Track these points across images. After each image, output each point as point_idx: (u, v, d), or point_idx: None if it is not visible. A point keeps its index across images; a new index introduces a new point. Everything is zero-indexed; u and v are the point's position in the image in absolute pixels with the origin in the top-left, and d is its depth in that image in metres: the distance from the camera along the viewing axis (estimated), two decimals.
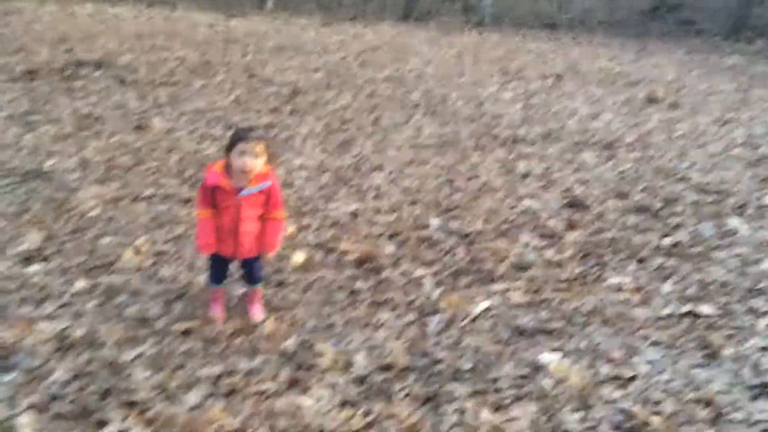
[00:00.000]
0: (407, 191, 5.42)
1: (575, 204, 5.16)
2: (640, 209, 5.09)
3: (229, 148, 3.13)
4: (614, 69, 12.05)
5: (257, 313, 3.45)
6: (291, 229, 4.55)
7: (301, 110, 8.05)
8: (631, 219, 4.88)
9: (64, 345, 3.12)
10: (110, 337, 3.18)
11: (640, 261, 4.21)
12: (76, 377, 2.89)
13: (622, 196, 5.40)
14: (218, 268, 3.43)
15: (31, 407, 2.67)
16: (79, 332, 3.22)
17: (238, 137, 3.11)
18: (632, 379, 2.97)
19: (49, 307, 3.47)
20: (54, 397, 2.74)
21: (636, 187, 5.62)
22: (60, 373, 2.89)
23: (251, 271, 3.44)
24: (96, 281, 3.77)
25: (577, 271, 4.05)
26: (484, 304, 3.62)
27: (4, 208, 4.78)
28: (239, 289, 3.67)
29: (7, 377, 2.86)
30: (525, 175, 5.90)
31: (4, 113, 7.32)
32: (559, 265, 4.15)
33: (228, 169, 3.16)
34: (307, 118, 7.70)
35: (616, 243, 4.46)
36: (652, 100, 9.24)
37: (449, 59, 12.59)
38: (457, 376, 2.99)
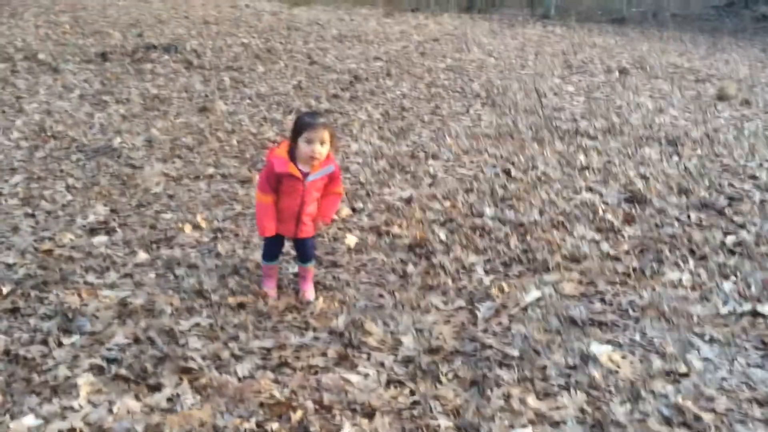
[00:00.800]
0: (463, 180, 5.40)
1: (635, 198, 5.03)
2: (704, 206, 4.93)
3: (296, 134, 3.16)
4: (684, 64, 11.66)
5: (309, 291, 3.51)
6: (345, 211, 4.61)
7: (360, 97, 8.10)
8: (694, 215, 4.74)
9: (124, 312, 3.25)
10: (168, 307, 3.30)
11: (701, 258, 4.08)
12: (134, 342, 3.01)
13: (684, 192, 5.24)
14: (273, 246, 3.50)
15: (91, 368, 2.80)
16: (138, 301, 3.35)
17: (306, 124, 3.13)
18: (685, 374, 2.89)
19: (111, 276, 3.62)
20: (113, 360, 2.86)
21: (700, 183, 5.44)
22: (119, 338, 3.02)
23: (305, 250, 3.49)
24: (156, 254, 3.91)
25: (633, 265, 3.96)
26: (536, 294, 3.59)
27: (74, 182, 5.00)
28: (293, 269, 3.74)
29: (71, 339, 3.01)
30: (584, 168, 5.79)
31: (78, 92, 7.64)
32: (615, 258, 4.07)
33: (292, 154, 3.20)
34: (365, 105, 7.75)
35: (676, 239, 4.34)
36: (722, 96, 8.90)
37: (511, 51, 12.42)
38: (504, 362, 2.98)
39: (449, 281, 3.73)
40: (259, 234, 3.53)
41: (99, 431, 2.44)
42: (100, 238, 4.09)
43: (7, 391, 2.64)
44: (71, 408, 2.55)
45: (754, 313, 3.43)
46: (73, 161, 5.46)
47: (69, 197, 4.72)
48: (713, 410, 2.65)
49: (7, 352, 2.90)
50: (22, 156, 5.55)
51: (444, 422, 2.55)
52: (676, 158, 6.16)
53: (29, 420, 2.47)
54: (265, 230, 3.32)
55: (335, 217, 4.52)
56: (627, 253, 4.15)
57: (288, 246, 3.71)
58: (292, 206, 3.27)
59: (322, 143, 3.13)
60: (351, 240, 4.16)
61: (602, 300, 3.56)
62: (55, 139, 6.01)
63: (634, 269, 3.91)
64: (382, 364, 2.93)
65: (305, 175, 3.21)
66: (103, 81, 8.22)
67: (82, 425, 2.45)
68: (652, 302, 3.52)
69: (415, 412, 2.61)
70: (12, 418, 2.49)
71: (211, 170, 5.35)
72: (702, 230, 4.50)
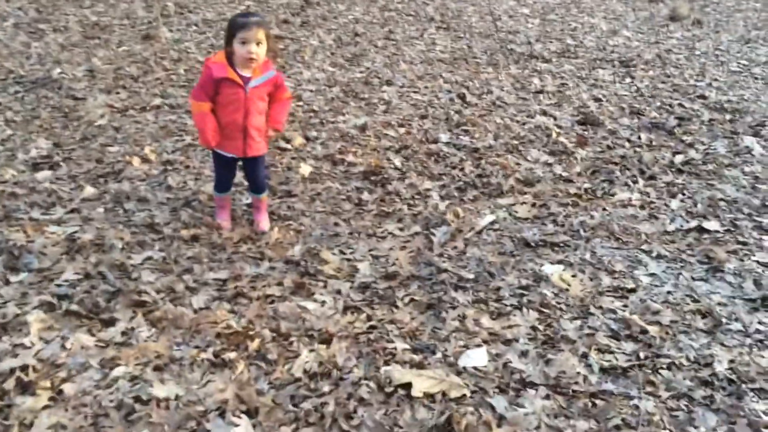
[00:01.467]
0: (417, 106, 5.33)
1: (588, 121, 5.07)
2: (654, 126, 5.00)
3: (230, 36, 2.99)
4: None
5: (263, 221, 3.47)
6: (299, 140, 4.52)
7: (312, 23, 7.85)
8: (644, 136, 4.80)
9: (73, 247, 3.17)
10: (118, 242, 3.23)
11: (651, 178, 4.17)
12: (85, 278, 2.95)
13: (636, 113, 5.30)
14: (224, 174, 3.41)
15: (41, 305, 2.74)
16: (87, 236, 3.26)
17: (239, 24, 2.95)
18: (633, 290, 2.99)
19: (58, 212, 3.51)
20: (63, 297, 2.81)
21: (651, 104, 5.50)
22: (69, 274, 2.96)
23: (256, 179, 3.40)
24: (104, 188, 3.80)
25: (585, 186, 4.02)
26: (490, 218, 3.62)
27: (12, 116, 4.78)
28: (246, 200, 3.69)
29: (18, 277, 2.93)
30: (539, 92, 5.78)
31: (12, 21, 7.21)
32: (567, 180, 4.12)
33: (230, 60, 3.04)
34: (317, 30, 7.53)
35: (627, 160, 4.40)
36: (674, 17, 8.92)
37: None
38: (459, 285, 3.03)
39: (405, 208, 3.73)
40: (202, 145, 3.43)
41: (52, 367, 2.41)
42: (44, 173, 3.95)
43: None
44: (22, 345, 2.50)
45: (700, 229, 3.54)
46: (11, 94, 5.20)
47: (9, 132, 4.51)
48: (658, 323, 2.76)
49: None
50: None
51: (400, 345, 2.59)
52: (628, 80, 6.20)
53: None
54: (209, 140, 3.14)
55: (288, 145, 4.44)
56: (579, 174, 4.20)
57: (240, 177, 3.64)
58: (236, 119, 3.12)
59: (258, 44, 2.97)
60: (305, 169, 4.10)
61: (554, 221, 3.62)
62: None
63: (586, 190, 3.98)
64: (338, 292, 2.95)
65: (246, 80, 3.06)
66: (39, 8, 7.76)
67: (35, 362, 2.41)
68: (603, 222, 3.60)
69: (371, 336, 2.65)
70: None
71: (157, 101, 5.16)
72: (652, 150, 4.57)
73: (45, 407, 2.23)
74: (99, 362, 2.44)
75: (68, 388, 2.31)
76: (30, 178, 3.87)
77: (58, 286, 2.87)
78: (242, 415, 2.22)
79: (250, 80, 3.06)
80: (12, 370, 2.35)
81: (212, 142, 3.14)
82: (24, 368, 2.37)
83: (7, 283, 2.89)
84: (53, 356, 2.46)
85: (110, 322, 2.67)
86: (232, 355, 2.50)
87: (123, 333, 2.61)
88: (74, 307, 2.72)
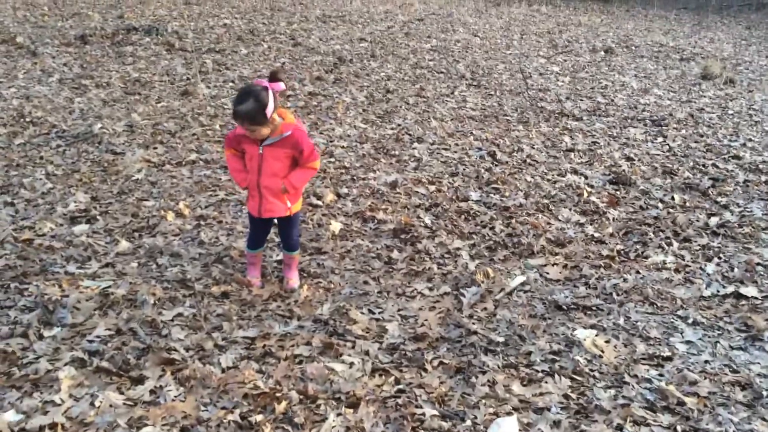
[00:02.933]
0: (448, 163, 5.37)
1: (620, 180, 5.04)
2: (688, 187, 4.95)
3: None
4: (669, 43, 11.65)
5: (293, 279, 3.49)
6: (330, 197, 4.57)
7: (345, 79, 8.02)
8: (678, 197, 4.75)
9: (106, 303, 3.21)
10: (150, 297, 3.26)
11: (685, 240, 4.10)
12: (116, 334, 2.97)
13: (669, 173, 5.25)
14: (256, 232, 3.47)
15: (72, 361, 2.76)
16: (120, 291, 3.31)
17: (233, 114, 3.09)
18: (669, 358, 2.91)
19: (93, 266, 3.57)
20: (94, 353, 2.83)
21: (684, 164, 5.46)
22: (101, 330, 2.98)
23: (286, 237, 3.44)
24: (139, 242, 3.86)
25: (618, 248, 3.97)
26: (521, 278, 3.59)
27: (53, 169, 4.92)
28: (277, 256, 3.71)
29: (51, 332, 2.97)
30: (569, 150, 5.79)
31: (57, 76, 7.50)
32: (599, 241, 4.08)
33: None
34: (350, 87, 7.68)
35: (660, 221, 4.35)
36: (706, 75, 8.91)
37: (497, 31, 12.35)
38: (489, 348, 2.98)
39: (434, 267, 3.72)
40: (239, 186, 3.40)
41: (81, 426, 2.41)
42: (81, 227, 4.03)
43: None
44: (52, 402, 2.52)
45: (737, 295, 3.45)
46: (53, 148, 5.37)
47: (49, 185, 4.65)
48: (696, 394, 2.67)
49: None
50: (1, 143, 5.45)
51: (429, 410, 2.54)
52: (660, 139, 6.17)
53: (10, 415, 2.44)
54: (238, 181, 3.32)
55: (319, 201, 4.48)
56: (611, 235, 4.16)
57: (273, 233, 3.68)
58: (252, 176, 3.22)
59: (251, 129, 3.05)
60: (335, 226, 4.13)
61: (586, 284, 3.57)
62: (34, 125, 5.90)
63: (619, 252, 3.93)
64: (366, 353, 2.92)
65: (262, 139, 3.13)
66: (83, 65, 8.08)
67: (64, 420, 2.42)
68: (636, 285, 3.53)
69: (399, 401, 2.60)
70: None
71: (193, 156, 5.28)
72: (686, 212, 4.52)
73: None
74: (127, 422, 2.43)
75: None
76: (67, 232, 3.96)
77: (90, 342, 2.90)
78: None
79: (266, 139, 3.12)
80: (41, 428, 2.36)
81: (241, 183, 3.31)
82: (53, 426, 2.38)
83: (41, 338, 2.92)
84: (82, 414, 2.46)
85: (139, 380, 2.67)
86: (259, 417, 2.48)
87: (152, 391, 2.61)
88: (105, 363, 2.74)
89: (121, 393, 2.59)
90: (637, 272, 3.69)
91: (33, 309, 3.13)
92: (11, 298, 3.24)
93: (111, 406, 2.51)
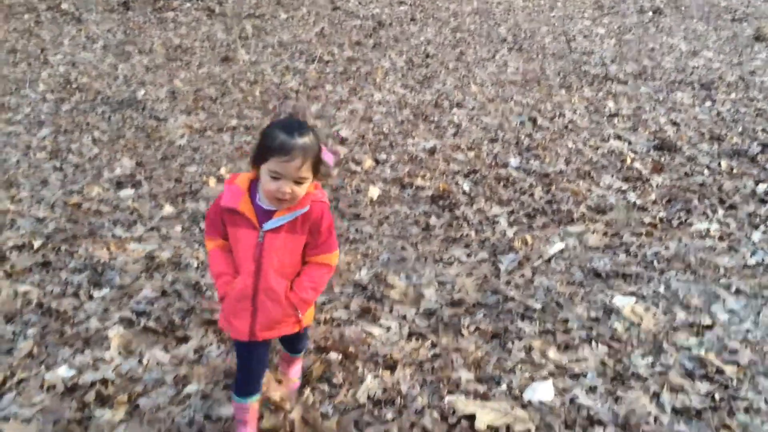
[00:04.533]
0: (487, 129, 5.32)
1: (664, 146, 4.92)
2: (736, 153, 4.81)
3: (260, 157, 1.90)
4: (720, 3, 11.18)
5: (295, 378, 2.53)
6: (369, 163, 4.58)
7: (384, 44, 7.95)
8: (725, 163, 4.62)
9: (151, 265, 3.31)
10: (194, 261, 3.35)
11: (731, 207, 4.00)
12: (162, 296, 3.08)
13: (716, 138, 5.11)
14: (249, 365, 2.17)
15: (121, 321, 2.88)
16: (165, 254, 3.41)
17: (276, 146, 1.85)
18: (709, 327, 2.87)
19: (139, 230, 3.68)
20: (141, 313, 2.94)
21: (733, 129, 5.29)
22: (147, 292, 3.09)
23: (295, 345, 2.43)
24: (182, 207, 3.96)
25: (660, 215, 3.90)
26: (559, 246, 3.57)
27: (100, 135, 5.04)
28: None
29: (101, 293, 3.09)
30: (613, 115, 5.66)
31: (101, 43, 7.63)
32: (642, 208, 4.01)
33: (255, 186, 2.00)
34: (389, 52, 7.61)
35: (705, 188, 4.25)
36: (759, 37, 8.55)
37: None
38: (526, 314, 2.99)
39: (472, 233, 3.72)
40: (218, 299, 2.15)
41: (130, 382, 2.52)
42: (127, 192, 4.15)
43: (41, 343, 2.74)
44: (102, 359, 2.64)
45: None
46: (98, 114, 5.49)
47: (95, 150, 4.77)
48: (736, 363, 2.64)
49: (40, 305, 2.99)
50: (49, 109, 5.60)
51: (465, 375, 2.58)
52: (708, 103, 5.98)
53: (63, 371, 2.56)
54: (219, 286, 2.06)
55: (358, 167, 4.49)
56: (654, 203, 4.08)
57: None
58: (244, 278, 2.00)
59: (298, 181, 1.89)
60: (374, 192, 4.15)
61: (627, 251, 3.53)
62: (80, 91, 6.03)
63: (661, 219, 3.86)
64: (404, 317, 2.96)
65: (264, 216, 1.96)
66: (126, 31, 8.18)
67: (114, 376, 2.54)
68: (678, 253, 3.48)
69: (436, 365, 2.65)
70: (47, 369, 2.58)
71: (234, 122, 5.34)
72: (733, 179, 4.40)
73: (122, 421, 2.33)
74: (173, 379, 2.53)
75: (144, 403, 2.41)
76: (114, 196, 4.07)
77: (137, 303, 3.01)
78: None
79: (270, 217, 1.96)
80: (93, 384, 2.48)
81: (221, 288, 2.06)
82: (104, 382, 2.49)
83: (91, 298, 3.04)
84: (131, 371, 2.57)
85: (184, 340, 2.77)
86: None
87: (195, 351, 2.71)
88: (151, 323, 2.85)
89: (167, 352, 2.70)
90: (680, 240, 3.63)
91: (83, 270, 3.25)
92: (62, 260, 3.37)
93: (158, 363, 2.62)
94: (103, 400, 2.42)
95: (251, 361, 2.16)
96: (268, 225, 1.94)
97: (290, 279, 2.03)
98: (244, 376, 2.18)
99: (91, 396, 2.42)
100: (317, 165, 1.92)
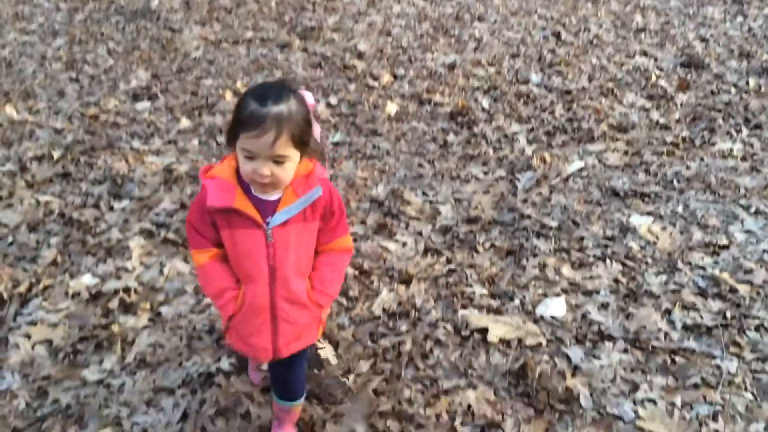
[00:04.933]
0: (509, 43, 5.17)
1: (692, 63, 4.77)
2: (765, 71, 4.65)
3: (231, 135, 1.53)
4: None
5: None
6: (386, 78, 4.50)
7: None
8: (753, 81, 4.48)
9: (170, 178, 3.33)
10: None
11: (756, 127, 3.91)
12: (180, 208, 3.11)
13: (746, 55, 4.93)
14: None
15: (141, 232, 2.92)
16: (183, 167, 3.42)
17: (244, 117, 1.47)
18: (726, 247, 2.87)
19: (156, 143, 3.68)
20: (161, 225, 2.98)
21: (764, 46, 5.10)
22: (166, 204, 3.13)
23: (291, 381, 1.91)
24: (199, 120, 3.94)
25: (683, 134, 3.83)
26: (578, 164, 3.53)
27: (114, 46, 4.98)
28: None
29: (121, 204, 3.13)
30: (640, 30, 5.47)
31: None
32: (664, 127, 3.93)
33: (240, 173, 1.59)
34: None
35: (731, 107, 4.14)
36: None
37: None
38: (542, 232, 2.99)
39: (490, 151, 3.68)
40: (221, 317, 1.78)
41: (151, 291, 2.59)
42: (143, 104, 4.13)
43: (64, 252, 2.80)
44: (125, 268, 2.70)
45: None
46: (112, 24, 5.40)
47: (111, 61, 4.72)
48: (750, 282, 2.64)
49: (62, 215, 3.04)
50: (63, 18, 5.51)
51: (479, 290, 2.61)
52: (740, 18, 5.75)
53: (87, 279, 2.63)
54: (222, 305, 1.68)
55: (375, 82, 4.42)
56: (678, 121, 4.00)
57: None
58: (256, 285, 1.63)
59: (277, 160, 1.50)
60: (391, 108, 4.10)
61: (647, 171, 3.49)
62: (94, 0, 5.91)
63: (684, 139, 3.79)
64: (420, 233, 2.98)
65: (267, 210, 1.59)
66: None
67: (136, 284, 2.60)
68: (699, 173, 3.43)
69: (450, 280, 2.68)
70: (71, 276, 2.65)
71: (249, 34, 5.23)
72: (760, 98, 4.28)
73: (145, 327, 2.41)
74: (193, 289, 2.59)
75: (165, 311, 2.48)
76: (130, 109, 4.06)
77: (156, 214, 3.04)
78: (326, 342, 2.32)
79: (275, 209, 1.59)
80: (116, 291, 2.55)
81: (229, 309, 1.68)
82: (126, 290, 2.56)
83: (111, 209, 3.09)
84: (152, 280, 2.63)
85: None
86: None
87: None
88: (171, 235, 2.89)
89: (187, 263, 2.75)
90: (701, 159, 3.57)
91: (102, 182, 3.29)
92: (81, 171, 3.40)
93: (178, 274, 2.68)
94: (126, 308, 2.49)
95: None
96: (276, 220, 1.58)
97: (308, 275, 1.71)
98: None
99: (114, 303, 2.50)
100: (302, 139, 1.51)
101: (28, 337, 2.34)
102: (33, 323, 2.41)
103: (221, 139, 3.72)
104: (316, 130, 1.62)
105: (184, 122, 3.90)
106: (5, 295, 2.52)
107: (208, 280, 1.67)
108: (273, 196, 1.59)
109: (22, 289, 2.56)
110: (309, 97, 1.59)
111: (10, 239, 2.86)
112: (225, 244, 1.62)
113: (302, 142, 1.51)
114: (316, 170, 1.62)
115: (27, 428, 2.03)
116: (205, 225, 1.62)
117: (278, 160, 1.49)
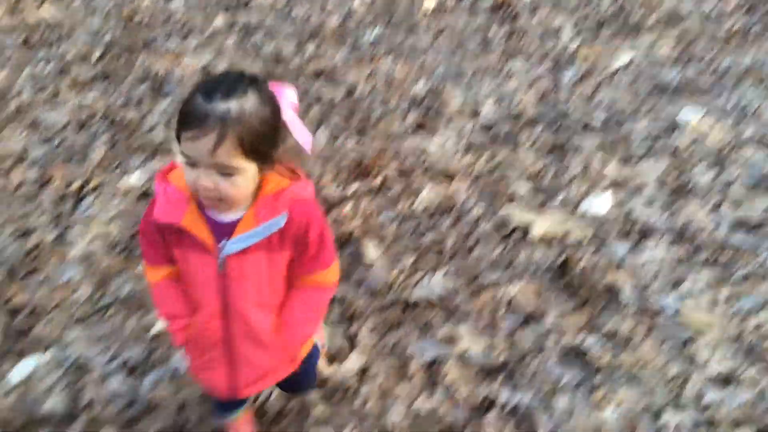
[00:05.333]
0: None
1: None
2: None
3: (177, 133, 1.21)
4: None
5: None
6: None
7: None
8: None
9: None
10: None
11: None
12: None
13: None
14: (229, 408, 1.75)
15: None
16: (221, 67, 3.39)
17: (183, 118, 1.17)
18: None
19: (192, 43, 3.64)
20: None
21: None
22: None
23: (301, 383, 1.77)
24: (234, 18, 3.86)
25: (737, 26, 3.64)
26: (626, 57, 3.40)
27: None
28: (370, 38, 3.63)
29: (164, 103, 3.14)
30: None
31: None
32: (718, 17, 3.73)
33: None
34: None
35: None
36: None
37: None
38: (587, 128, 2.93)
39: (533, 45, 3.56)
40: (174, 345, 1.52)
41: None
42: (177, 3, 4.05)
43: (112, 151, 2.85)
44: None
45: None
46: None
47: None
48: None
49: (106, 116, 3.06)
50: None
51: (521, 187, 2.60)
52: None
53: (136, 176, 2.68)
54: (174, 331, 1.45)
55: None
56: (732, 13, 3.79)
57: None
58: (206, 317, 1.39)
59: (224, 172, 1.17)
60: (429, 2, 3.95)
61: (698, 64, 3.34)
62: None
63: (738, 31, 3.60)
64: (461, 131, 2.94)
65: (223, 231, 1.30)
66: None
67: None
68: (754, 66, 3.29)
69: (492, 177, 2.67)
70: (121, 175, 2.71)
71: None
72: None
73: None
74: None
75: None
76: (163, 7, 3.99)
77: None
78: (369, 242, 2.37)
79: (231, 232, 1.29)
80: None
81: (179, 336, 1.45)
82: None
83: (153, 108, 3.11)
84: None
85: None
86: (356, 185, 2.62)
87: None
88: None
89: None
90: (757, 52, 3.40)
91: (143, 81, 3.29)
92: (121, 71, 3.39)
93: None
94: None
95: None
96: (229, 249, 1.29)
97: (277, 308, 1.43)
98: (223, 406, 1.71)
99: None
100: (256, 148, 1.18)
101: (85, 232, 2.43)
102: (89, 219, 2.49)
103: (257, 36, 3.66)
104: (303, 136, 1.27)
105: (219, 20, 3.83)
106: (60, 194, 2.60)
107: (158, 301, 1.45)
108: (229, 216, 1.28)
109: (74, 187, 2.63)
110: (289, 94, 1.27)
111: (57, 140, 2.91)
112: (178, 264, 1.37)
113: (256, 151, 1.18)
114: (290, 190, 1.28)
115: (91, 316, 2.14)
116: (155, 238, 1.36)
117: (224, 172, 1.17)
